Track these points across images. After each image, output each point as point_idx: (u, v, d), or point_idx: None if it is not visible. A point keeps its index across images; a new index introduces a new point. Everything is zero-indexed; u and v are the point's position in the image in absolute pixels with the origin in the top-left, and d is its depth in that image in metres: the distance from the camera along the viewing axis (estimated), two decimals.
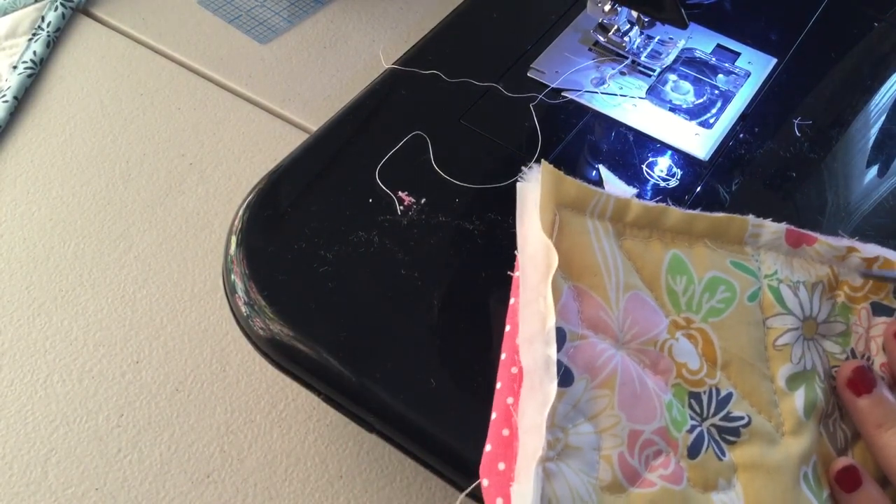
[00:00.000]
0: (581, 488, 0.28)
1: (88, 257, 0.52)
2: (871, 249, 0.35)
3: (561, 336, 0.29)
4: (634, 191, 0.44)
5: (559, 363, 0.29)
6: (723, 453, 0.31)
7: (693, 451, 0.31)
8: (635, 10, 0.49)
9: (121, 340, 0.48)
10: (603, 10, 0.50)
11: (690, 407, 0.32)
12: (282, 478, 0.43)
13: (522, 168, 0.34)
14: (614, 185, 0.44)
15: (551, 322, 0.28)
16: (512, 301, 0.32)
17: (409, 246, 0.41)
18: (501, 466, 0.28)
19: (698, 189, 0.45)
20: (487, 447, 0.29)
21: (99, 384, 0.46)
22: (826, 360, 0.35)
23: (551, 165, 0.32)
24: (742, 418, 0.32)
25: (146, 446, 0.44)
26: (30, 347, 0.48)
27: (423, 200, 0.43)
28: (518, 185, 0.33)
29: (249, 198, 0.44)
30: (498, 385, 0.30)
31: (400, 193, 0.43)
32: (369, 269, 0.41)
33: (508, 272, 0.36)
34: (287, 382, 0.46)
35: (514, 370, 0.29)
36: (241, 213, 0.43)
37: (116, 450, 0.44)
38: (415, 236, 0.42)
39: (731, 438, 0.32)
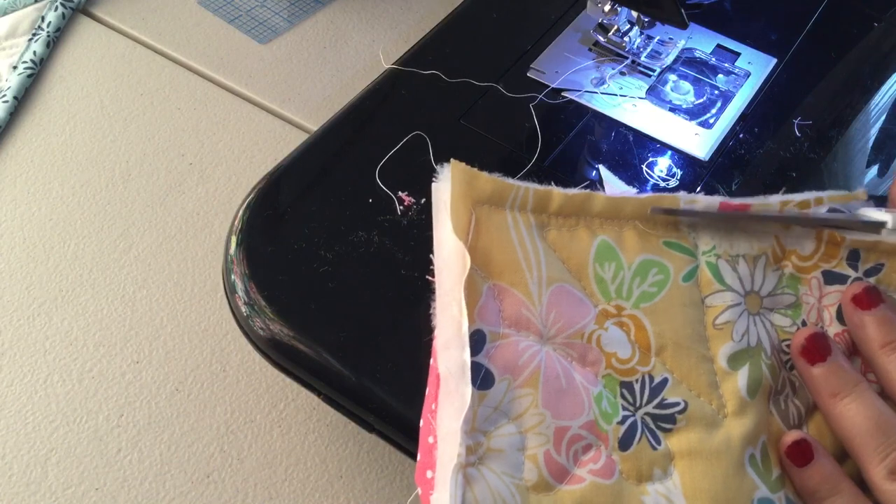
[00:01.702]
0: (504, 490, 0.27)
1: (88, 257, 0.52)
2: (803, 196, 0.33)
3: (480, 338, 0.29)
4: (634, 191, 0.44)
5: (479, 366, 0.28)
6: (658, 442, 0.30)
7: (625, 443, 0.30)
8: (635, 10, 0.49)
9: (121, 340, 0.48)
10: (603, 10, 0.50)
11: (623, 397, 0.31)
12: (282, 478, 0.43)
13: (437, 169, 0.32)
14: (614, 185, 0.44)
15: (465, 326, 0.28)
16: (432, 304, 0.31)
17: (409, 246, 0.41)
18: (429, 475, 0.28)
19: (698, 189, 0.45)
20: (419, 455, 0.29)
21: (99, 384, 0.46)
22: (775, 334, 0.33)
23: (462, 163, 0.31)
24: (678, 404, 0.31)
25: (146, 446, 0.44)
26: (30, 347, 0.48)
27: (423, 200, 0.43)
28: (432, 185, 0.32)
29: (249, 198, 0.44)
30: (427, 391, 0.30)
31: (400, 193, 0.43)
32: (369, 269, 0.41)
33: (427, 276, 0.35)
34: (287, 382, 0.46)
35: (437, 373, 0.29)
36: (241, 213, 0.43)
37: (116, 450, 0.44)
38: (415, 236, 0.42)
39: (667, 426, 0.31)
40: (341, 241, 0.41)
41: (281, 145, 0.58)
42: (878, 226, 0.32)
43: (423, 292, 0.40)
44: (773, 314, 0.33)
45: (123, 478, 0.43)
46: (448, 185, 0.31)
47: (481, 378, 0.28)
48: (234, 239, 0.42)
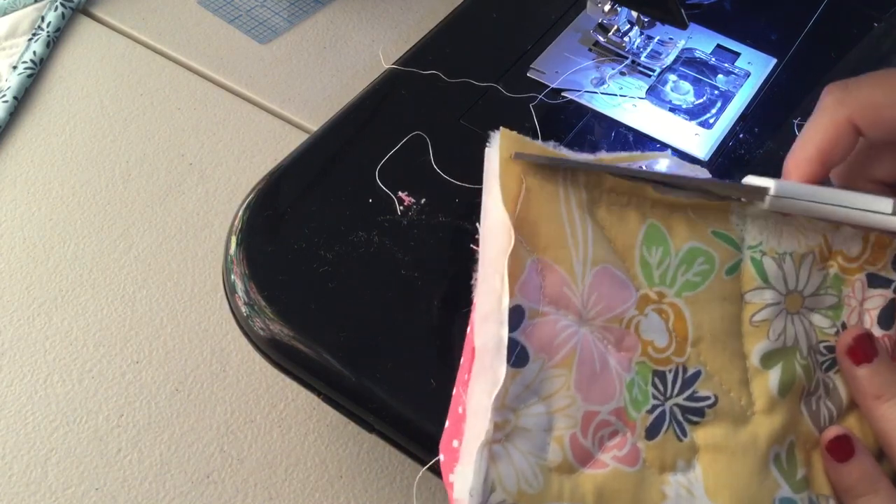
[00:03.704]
0: (527, 470, 0.27)
1: (88, 257, 0.52)
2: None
3: (519, 314, 0.28)
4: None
5: (515, 342, 0.28)
6: (684, 434, 0.30)
7: (652, 432, 0.30)
8: (635, 10, 0.49)
9: (121, 340, 0.48)
10: (603, 10, 0.50)
11: (654, 385, 0.30)
12: (282, 478, 0.43)
13: (489, 133, 0.31)
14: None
15: (506, 301, 0.27)
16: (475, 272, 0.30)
17: (409, 246, 0.41)
18: (455, 444, 0.28)
19: None
20: (447, 423, 0.29)
21: (99, 384, 0.46)
22: (814, 334, 0.33)
23: (513, 132, 0.30)
24: (708, 398, 0.31)
25: (146, 446, 0.44)
26: (30, 347, 0.48)
27: (423, 200, 0.43)
28: (486, 150, 0.31)
29: (249, 198, 0.44)
30: (462, 360, 0.30)
31: (400, 193, 0.43)
32: (369, 269, 0.41)
33: (471, 245, 0.34)
34: (287, 382, 0.46)
35: (474, 345, 0.29)
36: (241, 213, 0.43)
37: (116, 450, 0.44)
38: (415, 236, 0.42)
39: (695, 419, 0.31)
40: (341, 241, 0.41)
41: (281, 145, 0.58)
42: (761, 192, 0.31)
43: (423, 292, 0.40)
44: (814, 314, 0.33)
45: (123, 478, 0.43)
46: (499, 156, 0.30)
47: (516, 355, 0.28)
48: (234, 239, 0.42)
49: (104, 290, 0.50)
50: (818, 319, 0.33)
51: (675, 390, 0.31)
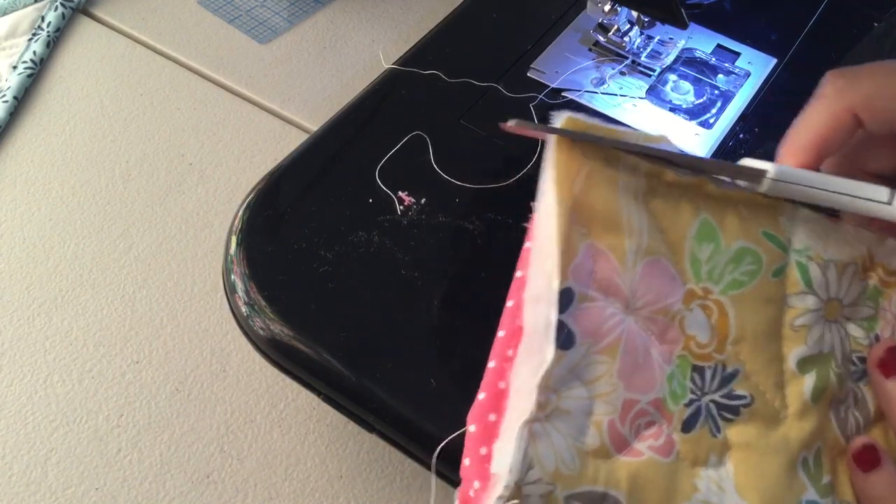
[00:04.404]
0: (565, 451, 0.27)
1: (88, 257, 0.52)
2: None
3: (568, 297, 0.28)
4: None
5: (562, 325, 0.28)
6: (718, 430, 0.31)
7: (688, 426, 0.30)
8: (635, 10, 0.49)
9: (121, 340, 0.48)
10: (603, 10, 0.50)
11: (692, 380, 0.31)
12: (282, 478, 0.43)
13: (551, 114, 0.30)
14: None
15: (556, 283, 0.27)
16: (526, 245, 0.30)
17: (409, 246, 0.41)
18: (492, 417, 0.28)
19: None
20: (481, 395, 0.29)
21: (99, 384, 0.46)
22: (848, 343, 0.33)
23: (578, 117, 0.30)
24: (744, 397, 0.31)
25: (146, 446, 0.44)
26: (30, 347, 0.48)
27: (423, 200, 0.43)
28: (549, 135, 0.30)
29: (249, 198, 0.44)
30: (501, 333, 0.30)
31: (400, 193, 0.43)
32: (369, 269, 0.41)
33: (524, 224, 0.34)
34: (287, 382, 0.46)
35: (518, 323, 0.29)
36: (241, 213, 0.43)
37: (116, 450, 0.44)
38: (415, 236, 0.42)
39: (730, 416, 0.31)
40: (341, 241, 0.41)
41: (281, 145, 0.58)
42: (759, 175, 0.31)
43: (423, 292, 0.40)
44: (850, 324, 0.34)
45: (123, 478, 0.43)
46: (564, 136, 0.30)
47: (564, 337, 0.28)
48: (234, 239, 0.42)
49: (104, 290, 0.50)
50: (853, 329, 0.34)
51: (713, 387, 0.31)
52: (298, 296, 0.40)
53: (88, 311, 0.49)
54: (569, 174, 0.29)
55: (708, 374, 0.31)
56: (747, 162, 0.32)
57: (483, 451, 0.27)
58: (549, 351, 0.27)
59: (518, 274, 0.30)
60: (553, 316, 0.27)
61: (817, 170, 0.32)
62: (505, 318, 0.30)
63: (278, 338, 0.39)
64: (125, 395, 0.46)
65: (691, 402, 0.31)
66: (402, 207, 0.43)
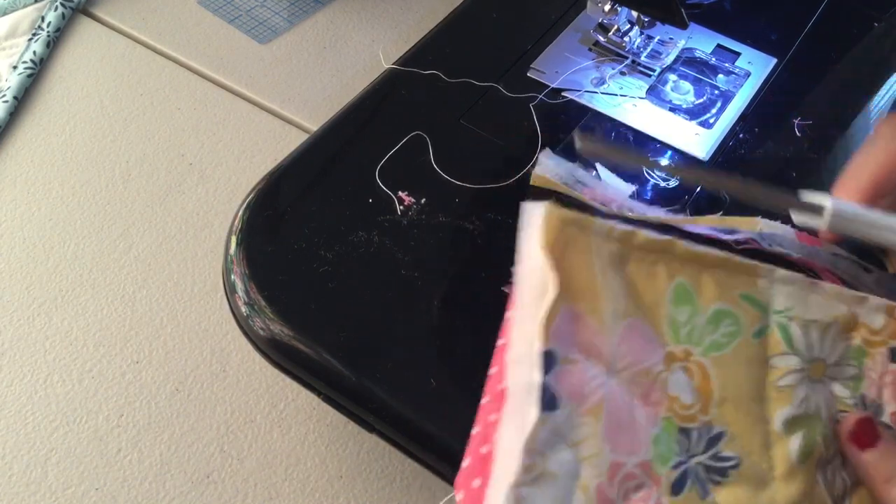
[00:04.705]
0: None
1: (88, 257, 0.52)
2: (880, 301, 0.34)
3: (551, 359, 0.29)
4: (633, 188, 0.44)
5: (546, 387, 0.28)
6: (706, 493, 0.31)
7: (676, 488, 0.30)
8: (635, 10, 0.49)
9: (121, 340, 0.48)
10: (603, 10, 0.50)
11: (678, 442, 0.31)
12: (282, 478, 0.43)
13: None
14: (613, 184, 0.44)
15: (538, 346, 0.28)
16: (507, 314, 0.31)
17: (409, 246, 0.41)
18: (476, 483, 0.28)
19: (698, 189, 0.45)
20: (465, 461, 0.29)
21: (99, 384, 0.46)
22: (834, 404, 0.33)
23: (555, 207, 0.31)
24: (731, 459, 0.31)
25: (146, 446, 0.44)
26: (30, 347, 0.48)
27: (423, 200, 0.43)
28: (525, 204, 0.31)
29: (249, 198, 0.44)
30: (485, 399, 0.30)
31: (400, 193, 0.43)
32: (369, 269, 0.41)
33: (502, 288, 0.35)
34: (287, 382, 0.46)
35: (500, 387, 0.29)
36: (241, 213, 0.43)
37: (116, 450, 0.44)
38: (415, 236, 0.42)
39: (718, 479, 0.31)
40: (341, 241, 0.41)
41: (281, 145, 0.58)
42: (817, 210, 0.32)
43: (423, 292, 0.40)
44: (835, 383, 0.34)
45: (123, 478, 0.43)
46: (539, 205, 0.31)
47: (548, 399, 0.28)
48: (234, 239, 0.42)
49: (104, 290, 0.50)
50: (839, 389, 0.34)
51: (700, 448, 0.31)
52: (298, 296, 0.40)
53: (88, 311, 0.49)
54: (549, 243, 0.30)
55: (694, 435, 0.31)
56: (805, 194, 0.32)
57: None
58: (533, 412, 0.27)
59: (500, 342, 0.30)
60: (536, 377, 0.27)
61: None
62: (488, 385, 0.30)
63: (278, 338, 0.39)
64: (125, 395, 0.46)
65: (679, 464, 0.30)
66: (402, 207, 0.43)
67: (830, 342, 0.33)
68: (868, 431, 0.32)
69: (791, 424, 0.32)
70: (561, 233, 0.30)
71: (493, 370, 0.30)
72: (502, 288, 0.35)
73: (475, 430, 0.29)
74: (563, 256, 0.30)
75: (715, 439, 0.31)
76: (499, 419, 0.28)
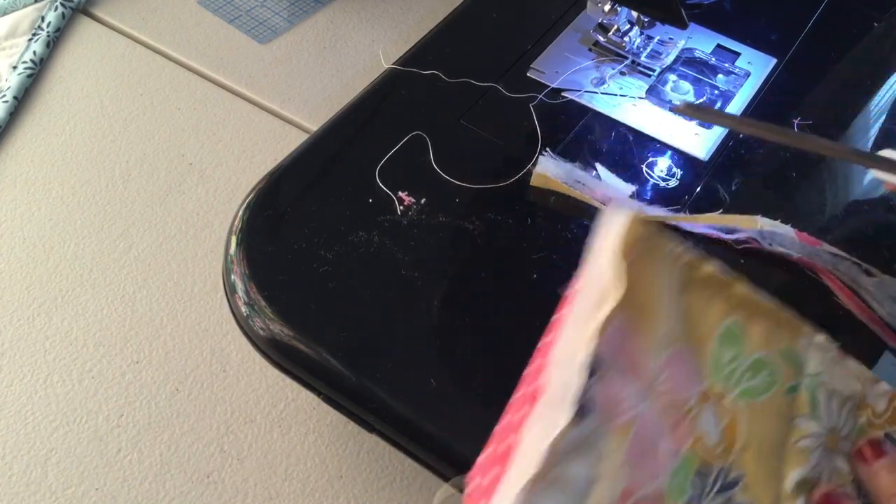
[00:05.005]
0: None
1: (88, 257, 0.52)
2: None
3: (596, 364, 0.28)
4: (633, 188, 0.44)
5: (584, 390, 0.28)
6: None
7: None
8: (635, 10, 0.49)
9: (121, 340, 0.48)
10: (603, 10, 0.50)
11: (694, 481, 0.31)
12: (282, 478, 0.43)
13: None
14: (613, 184, 0.44)
15: (587, 350, 0.27)
16: (559, 314, 0.31)
17: (409, 246, 0.41)
18: (493, 473, 0.28)
19: (698, 189, 0.45)
20: (487, 449, 0.29)
21: (99, 384, 0.46)
22: (835, 476, 0.34)
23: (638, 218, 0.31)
24: None
25: (146, 446, 0.44)
26: (30, 347, 0.48)
27: (423, 200, 0.43)
28: (608, 208, 0.32)
29: (249, 198, 0.44)
30: (519, 393, 0.30)
31: (400, 193, 0.43)
32: (369, 269, 0.41)
33: (558, 289, 0.35)
34: (287, 382, 0.46)
35: (538, 384, 0.29)
36: (241, 213, 0.43)
37: (116, 450, 0.44)
38: (415, 236, 0.42)
39: None
40: (341, 241, 0.41)
41: (281, 145, 0.58)
42: None
43: (423, 292, 0.40)
44: (839, 457, 0.34)
45: (123, 478, 0.43)
46: (622, 214, 0.31)
47: (581, 406, 0.28)
48: (234, 239, 0.42)
49: (104, 290, 0.50)
50: (840, 462, 0.34)
51: (714, 490, 0.31)
52: (298, 296, 0.40)
53: (88, 311, 0.49)
54: (625, 252, 0.29)
55: (711, 476, 0.31)
56: (887, 153, 0.33)
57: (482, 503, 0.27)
58: (564, 417, 0.27)
59: (546, 339, 0.30)
60: (578, 382, 0.27)
61: None
62: (526, 379, 0.30)
63: (278, 338, 0.39)
64: (125, 395, 0.46)
65: (691, 500, 0.30)
66: (402, 207, 0.43)
67: (846, 415, 0.34)
68: (874, 448, 0.32)
69: (800, 486, 0.32)
70: (637, 243, 0.30)
71: (533, 365, 0.30)
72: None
73: (503, 421, 0.29)
74: (632, 267, 0.30)
75: (731, 484, 0.31)
76: (528, 414, 0.28)
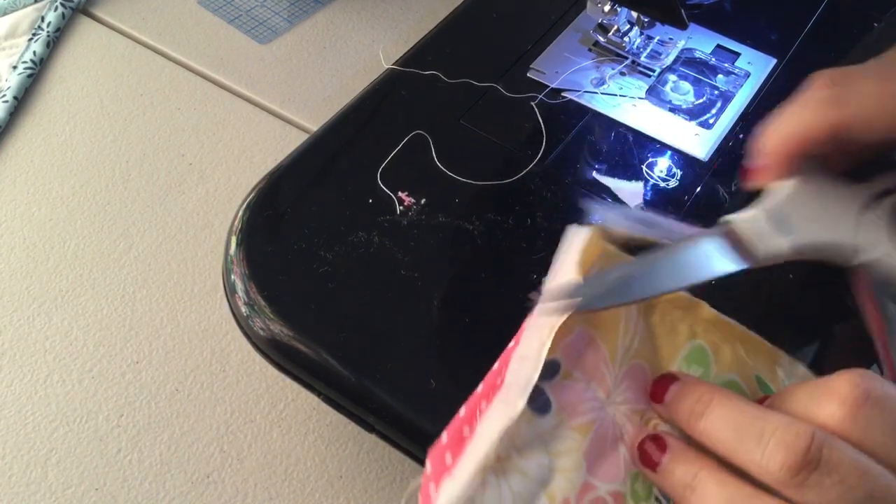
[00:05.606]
0: None
1: (88, 257, 0.52)
2: None
3: (555, 368, 0.29)
4: (641, 186, 0.44)
5: (541, 391, 0.29)
6: None
7: None
8: (635, 10, 0.49)
9: (121, 340, 0.48)
10: (603, 11, 0.50)
11: (653, 487, 0.31)
12: (282, 478, 0.43)
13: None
14: (621, 188, 0.44)
15: (545, 352, 0.28)
16: (525, 323, 0.31)
17: (409, 246, 0.41)
18: (448, 459, 0.28)
19: (698, 189, 0.45)
20: (443, 436, 0.29)
21: (99, 384, 0.46)
22: None
23: (598, 234, 0.31)
24: None
25: (146, 446, 0.44)
26: (30, 347, 0.48)
27: (423, 201, 0.43)
28: (570, 228, 0.32)
29: (249, 198, 0.44)
30: (479, 389, 0.30)
31: (400, 194, 0.43)
32: (369, 269, 0.41)
33: (528, 299, 0.35)
34: (287, 382, 0.46)
35: (498, 381, 0.29)
36: (241, 213, 0.43)
37: (116, 450, 0.44)
38: (415, 236, 0.42)
39: None
40: (341, 241, 0.41)
41: (281, 145, 0.58)
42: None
43: (423, 292, 0.40)
44: None
45: (123, 478, 0.43)
46: (584, 232, 0.31)
47: (540, 402, 0.29)
48: (234, 239, 0.42)
49: (104, 290, 0.50)
50: None
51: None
52: (298, 296, 0.40)
53: (88, 311, 0.49)
54: (585, 264, 0.30)
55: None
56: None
57: (432, 488, 0.28)
58: (520, 405, 0.27)
59: (511, 344, 0.30)
60: (535, 375, 0.28)
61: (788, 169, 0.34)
62: (487, 377, 0.30)
63: (278, 338, 0.39)
64: (125, 395, 0.46)
65: None
66: (401, 208, 0.43)
67: None
68: (655, 447, 0.29)
69: None
70: (598, 259, 0.31)
71: (495, 366, 0.30)
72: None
73: (461, 413, 0.30)
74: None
75: None
76: (487, 407, 0.28)
